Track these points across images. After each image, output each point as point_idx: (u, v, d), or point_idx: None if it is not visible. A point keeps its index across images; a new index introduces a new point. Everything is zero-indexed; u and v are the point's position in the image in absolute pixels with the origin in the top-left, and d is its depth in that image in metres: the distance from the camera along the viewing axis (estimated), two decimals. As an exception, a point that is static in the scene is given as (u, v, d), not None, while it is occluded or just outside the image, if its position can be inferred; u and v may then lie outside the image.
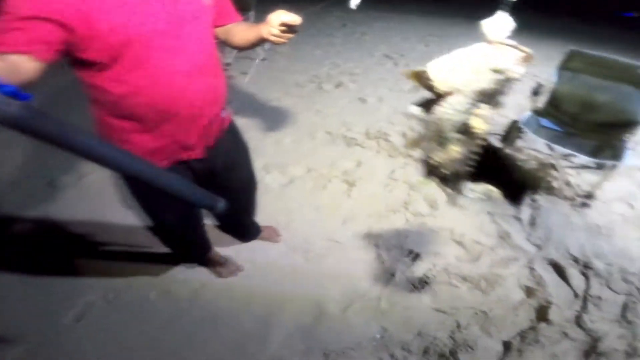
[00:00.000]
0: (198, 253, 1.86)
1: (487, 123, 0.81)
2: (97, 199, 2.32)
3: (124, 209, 2.20)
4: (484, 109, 0.79)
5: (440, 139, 0.85)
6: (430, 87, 0.79)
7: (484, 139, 0.85)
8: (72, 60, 0.92)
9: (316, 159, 2.82)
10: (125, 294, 1.82)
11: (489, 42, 0.77)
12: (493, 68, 0.75)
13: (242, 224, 1.98)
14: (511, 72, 0.75)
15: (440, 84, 0.79)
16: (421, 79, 0.79)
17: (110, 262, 1.98)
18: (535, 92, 2.72)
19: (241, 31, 1.23)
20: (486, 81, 0.76)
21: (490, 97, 0.78)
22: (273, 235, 2.12)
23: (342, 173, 2.67)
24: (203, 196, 1.01)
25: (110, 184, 2.38)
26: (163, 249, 1.92)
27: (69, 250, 2.02)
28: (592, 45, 4.26)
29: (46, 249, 2.01)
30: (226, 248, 2.03)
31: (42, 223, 2.16)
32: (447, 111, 0.80)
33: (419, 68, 0.78)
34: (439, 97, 0.81)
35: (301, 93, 3.87)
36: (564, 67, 2.68)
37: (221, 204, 1.05)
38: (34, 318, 1.69)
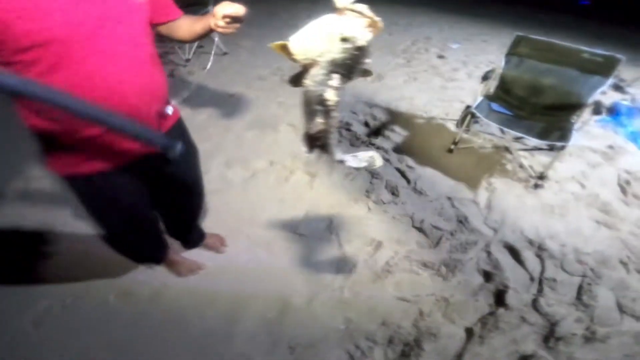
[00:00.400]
0: (153, 254, 1.72)
1: (338, 95, 0.78)
2: (47, 204, 2.12)
3: (76, 213, 2.02)
4: (335, 80, 0.75)
5: (309, 111, 0.83)
6: (294, 60, 0.76)
7: (335, 110, 0.82)
8: None
9: (279, 152, 2.69)
10: (84, 298, 1.68)
11: (337, 9, 0.72)
12: (340, 36, 0.70)
13: (184, 228, 1.82)
14: (358, 39, 0.70)
15: (299, 56, 0.75)
16: (286, 52, 0.73)
17: (66, 267, 1.82)
18: (485, 77, 2.70)
19: (186, 24, 1.19)
20: (336, 51, 0.72)
21: (343, 67, 0.74)
22: (218, 244, 1.95)
23: (304, 165, 2.56)
24: (158, 137, 1.01)
25: (59, 188, 2.19)
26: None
27: (23, 258, 1.85)
28: (550, 33, 4.28)
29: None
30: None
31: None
32: (309, 83, 0.77)
33: (282, 41, 0.74)
34: (305, 69, 0.78)
35: (263, 86, 3.70)
36: (511, 52, 2.68)
37: (178, 145, 1.02)
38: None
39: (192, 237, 1.87)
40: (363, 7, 0.68)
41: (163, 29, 1.19)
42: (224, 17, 1.02)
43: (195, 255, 1.88)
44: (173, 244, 1.83)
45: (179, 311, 1.65)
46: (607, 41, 5.45)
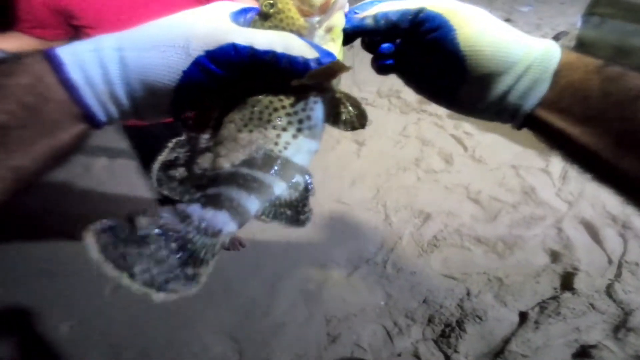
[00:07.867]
0: None
1: None
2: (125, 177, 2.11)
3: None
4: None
5: None
6: None
7: None
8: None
9: (325, 121, 2.49)
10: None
11: None
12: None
13: None
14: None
15: None
16: None
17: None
18: (556, 39, 2.22)
19: None
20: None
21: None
22: (235, 245, 1.74)
23: (351, 133, 2.33)
24: None
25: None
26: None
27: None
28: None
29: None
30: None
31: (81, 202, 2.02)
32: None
33: None
34: None
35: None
36: (591, 12, 2.17)
37: None
38: (79, 292, 1.56)
39: None
40: None
41: None
42: None
43: (246, 225, 1.79)
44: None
45: (228, 277, 1.60)
46: None
